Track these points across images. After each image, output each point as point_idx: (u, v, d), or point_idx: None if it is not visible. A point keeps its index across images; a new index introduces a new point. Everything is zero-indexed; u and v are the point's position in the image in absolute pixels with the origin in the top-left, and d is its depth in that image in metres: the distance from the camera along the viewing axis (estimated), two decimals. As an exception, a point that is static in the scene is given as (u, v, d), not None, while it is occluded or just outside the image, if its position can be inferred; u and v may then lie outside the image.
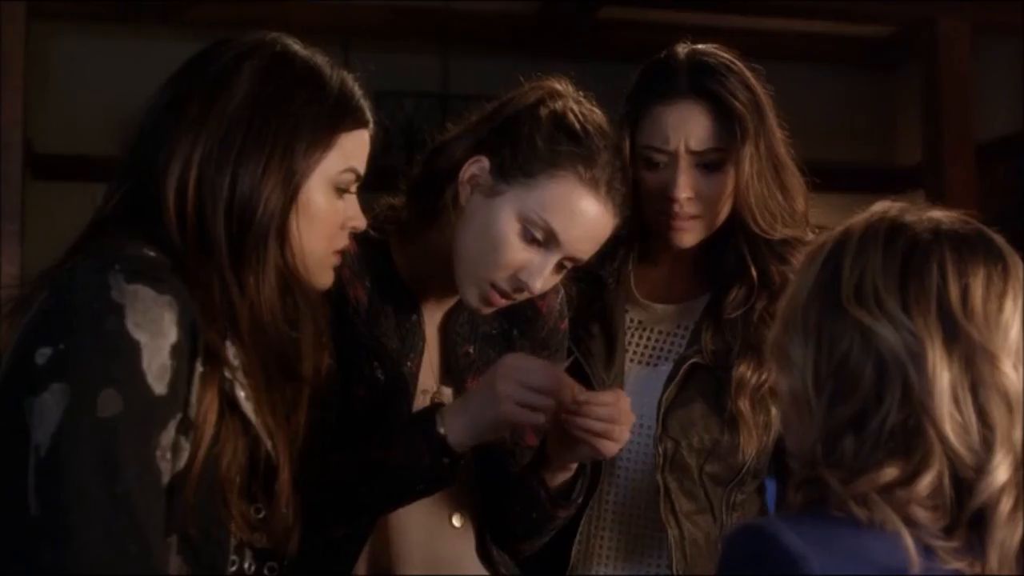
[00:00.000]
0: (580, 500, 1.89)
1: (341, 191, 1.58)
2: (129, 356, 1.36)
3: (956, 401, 1.22)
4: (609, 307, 2.08)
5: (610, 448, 1.75)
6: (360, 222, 1.62)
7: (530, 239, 1.76)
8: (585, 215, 1.76)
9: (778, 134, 2.00)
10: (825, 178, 6.95)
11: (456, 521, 1.90)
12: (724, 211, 1.99)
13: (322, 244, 1.57)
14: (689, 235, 1.99)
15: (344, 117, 1.57)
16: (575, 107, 1.81)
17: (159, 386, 1.38)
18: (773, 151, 1.97)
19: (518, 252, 1.77)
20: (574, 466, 1.84)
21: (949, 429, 1.21)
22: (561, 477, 1.83)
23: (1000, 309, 1.26)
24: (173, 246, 1.47)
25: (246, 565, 1.51)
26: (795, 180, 2.01)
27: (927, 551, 1.19)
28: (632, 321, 2.10)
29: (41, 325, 1.39)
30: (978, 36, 5.55)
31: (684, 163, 1.95)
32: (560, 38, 6.09)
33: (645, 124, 1.97)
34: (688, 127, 1.95)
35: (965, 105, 4.78)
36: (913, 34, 5.85)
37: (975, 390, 1.23)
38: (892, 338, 1.24)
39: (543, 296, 1.93)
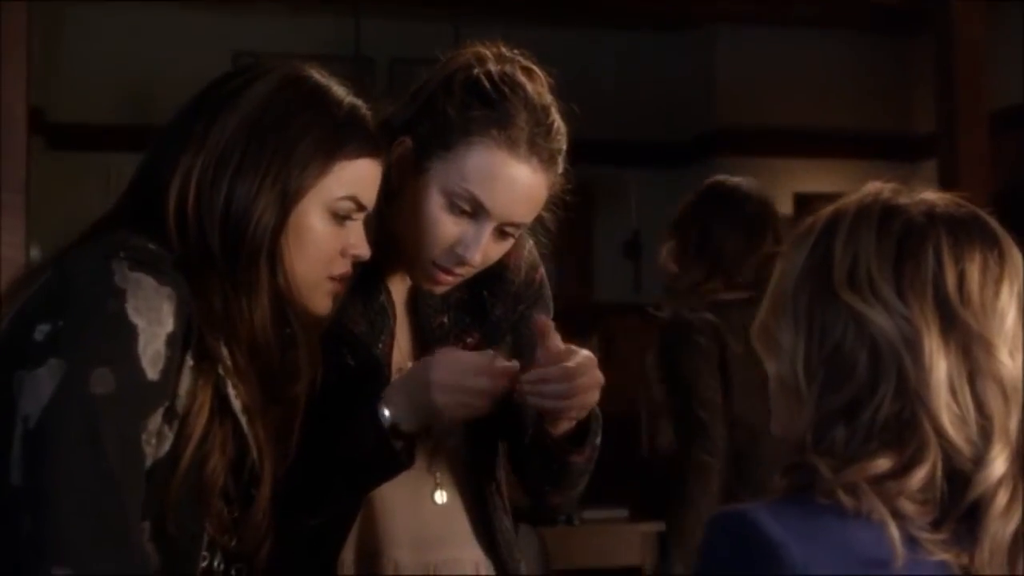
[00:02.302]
0: (598, 441, 1.86)
1: (341, 218, 1.59)
2: (126, 339, 1.41)
3: (953, 391, 1.19)
4: None
5: (575, 414, 1.75)
6: (362, 250, 1.62)
7: (459, 212, 1.75)
8: (507, 179, 1.73)
9: None
10: (840, 145, 6.93)
11: (439, 498, 1.89)
12: None
13: (316, 268, 1.59)
14: None
15: (346, 143, 1.58)
16: (493, 68, 1.78)
17: (152, 372, 1.41)
18: None
19: (449, 227, 1.75)
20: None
21: (946, 420, 1.18)
22: (564, 426, 1.80)
23: (996, 295, 1.23)
24: (172, 247, 1.50)
25: (215, 563, 1.54)
26: None
27: (912, 542, 1.17)
28: None
29: (43, 303, 1.44)
30: (992, 3, 5.53)
31: None
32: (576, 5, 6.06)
33: None
34: None
35: (978, 74, 4.75)
36: (927, 0, 5.82)
37: (972, 379, 1.20)
38: (887, 325, 1.20)
39: (508, 252, 1.89)
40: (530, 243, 1.97)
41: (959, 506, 1.18)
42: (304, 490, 1.72)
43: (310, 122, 1.56)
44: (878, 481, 1.17)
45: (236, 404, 1.51)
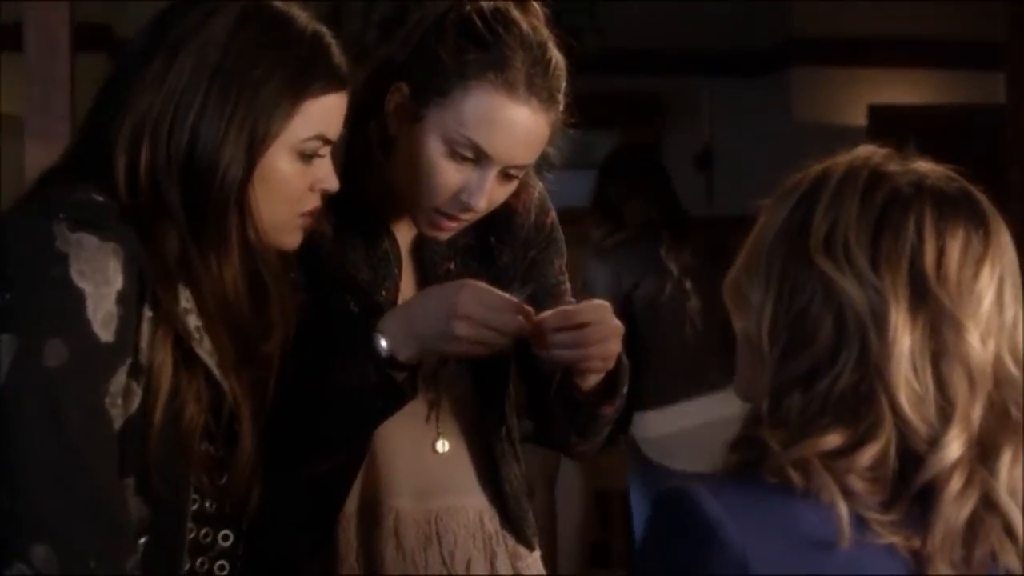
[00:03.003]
0: (625, 390, 1.83)
1: (308, 156, 1.54)
2: (74, 305, 1.38)
3: (915, 368, 1.16)
4: None
5: (598, 368, 1.72)
6: (331, 183, 1.58)
7: (460, 158, 1.71)
8: (507, 122, 1.69)
9: None
10: (918, 54, 6.72)
11: (440, 447, 1.87)
12: None
13: (285, 209, 1.55)
14: None
15: (312, 82, 1.52)
16: (485, 5, 1.72)
17: (105, 334, 1.40)
18: None
19: (451, 175, 1.71)
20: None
21: (903, 397, 1.15)
22: (593, 380, 1.77)
23: (976, 276, 1.18)
24: (120, 196, 1.45)
25: (207, 503, 1.54)
26: None
27: (860, 523, 1.14)
28: None
29: None
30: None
31: None
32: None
33: None
34: None
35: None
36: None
37: (936, 359, 1.16)
38: (855, 294, 1.17)
39: (516, 195, 1.86)
40: (540, 186, 1.94)
41: (911, 487, 1.15)
42: (309, 434, 1.71)
43: (274, 62, 1.50)
44: (829, 457, 1.15)
45: (203, 351, 1.49)
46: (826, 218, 1.20)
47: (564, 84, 1.75)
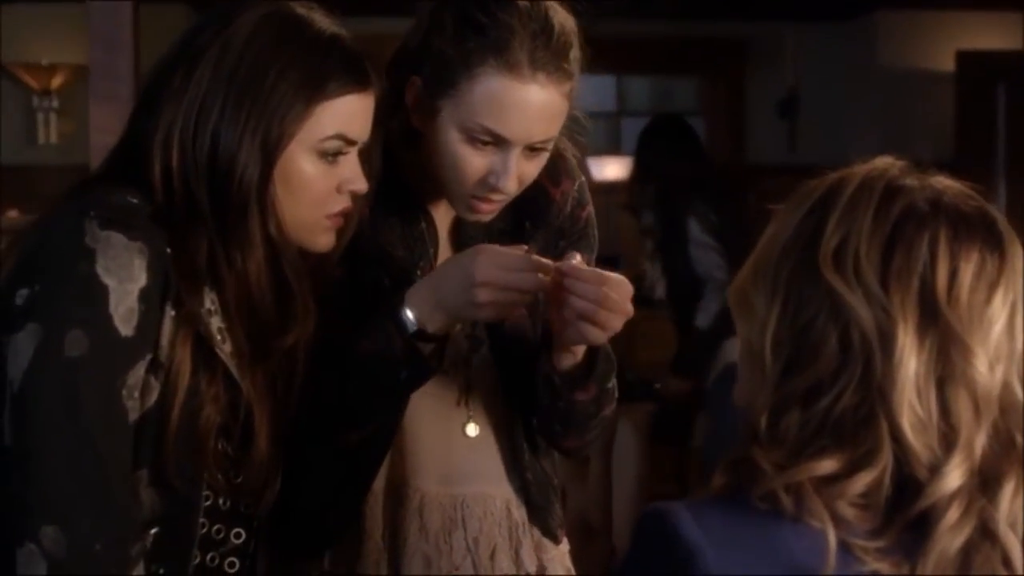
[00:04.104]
0: (608, 385, 1.82)
1: (331, 156, 1.56)
2: (97, 299, 1.45)
3: (919, 392, 1.12)
4: None
5: (595, 335, 1.68)
6: (359, 185, 1.60)
7: (480, 144, 1.70)
8: (517, 103, 1.68)
9: None
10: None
11: (471, 431, 1.86)
12: None
13: (311, 211, 1.58)
14: None
15: (326, 82, 1.54)
16: None
17: (125, 328, 1.45)
18: None
19: (475, 161, 1.71)
20: (579, 351, 1.76)
21: (906, 422, 1.11)
22: (568, 360, 1.76)
23: (988, 301, 1.14)
24: (157, 199, 1.51)
25: (221, 502, 1.59)
26: None
27: (845, 549, 1.10)
28: None
29: (21, 267, 1.49)
30: None
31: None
32: None
33: None
34: None
35: None
36: None
37: (942, 383, 1.12)
38: (863, 312, 1.13)
39: (557, 183, 1.87)
40: (581, 179, 1.93)
41: (906, 514, 1.11)
42: (338, 403, 1.72)
43: (287, 65, 1.53)
44: (822, 482, 1.11)
45: (223, 352, 1.54)
46: (837, 230, 1.16)
47: (574, 47, 1.73)
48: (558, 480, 1.98)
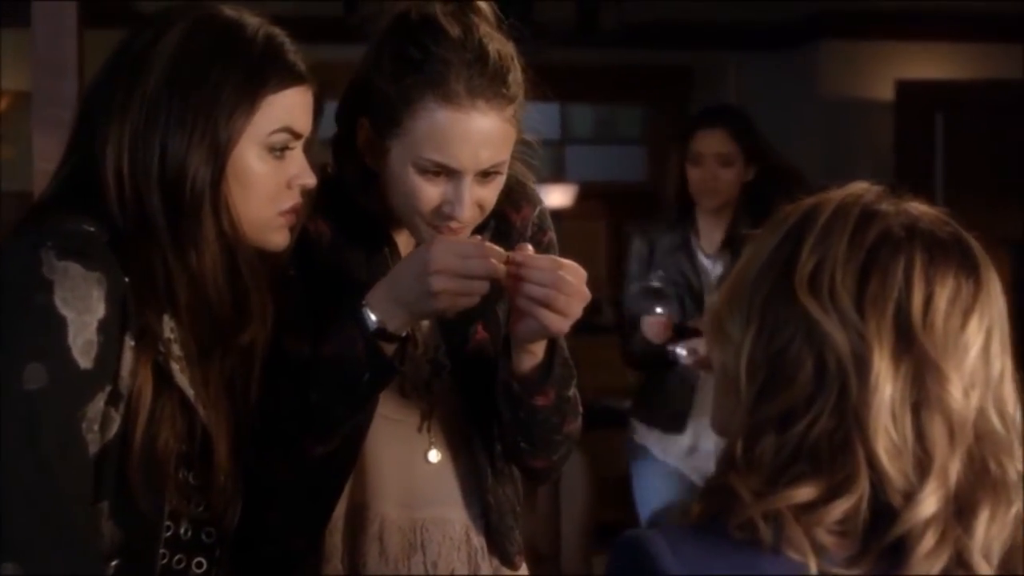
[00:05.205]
0: (568, 393, 1.83)
1: (278, 151, 1.58)
2: (56, 331, 1.43)
3: (894, 417, 1.11)
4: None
5: (555, 321, 1.68)
6: (308, 180, 1.61)
7: (433, 175, 1.72)
8: (459, 135, 1.69)
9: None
10: (949, 27, 6.62)
11: (432, 456, 1.87)
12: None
13: (264, 207, 1.59)
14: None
15: (267, 79, 1.56)
16: (414, 19, 1.72)
17: (84, 361, 1.44)
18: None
19: (429, 192, 1.73)
20: (539, 350, 1.76)
21: (881, 447, 1.11)
22: (528, 362, 1.76)
23: (963, 327, 1.14)
24: (114, 223, 1.51)
25: (182, 530, 1.57)
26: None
27: None
28: None
29: None
30: None
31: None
32: None
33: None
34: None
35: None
36: None
37: (917, 409, 1.12)
38: (838, 337, 1.12)
39: (518, 209, 1.89)
40: (542, 205, 1.95)
41: (882, 541, 1.11)
42: (302, 412, 1.72)
43: (227, 66, 1.55)
44: (801, 510, 1.11)
45: (179, 375, 1.53)
46: (813, 255, 1.16)
47: (512, 70, 1.74)
48: (520, 508, 1.97)
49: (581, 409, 1.89)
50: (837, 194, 1.21)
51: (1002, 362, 1.16)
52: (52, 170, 1.61)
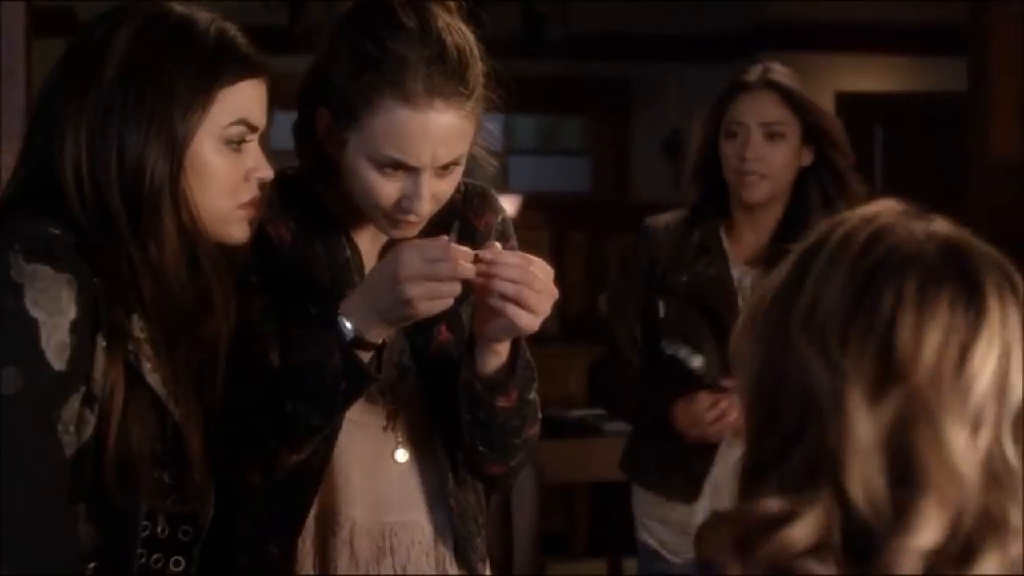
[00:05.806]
0: (529, 396, 1.83)
1: (235, 144, 1.59)
2: (28, 334, 1.42)
3: (871, 462, 1.02)
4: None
5: (525, 318, 1.68)
6: (265, 172, 1.63)
7: (389, 171, 1.72)
8: (417, 131, 1.70)
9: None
10: (888, 40, 6.68)
11: (400, 456, 1.86)
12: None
13: (223, 200, 1.60)
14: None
15: (221, 72, 1.57)
16: (373, 18, 1.72)
17: (58, 363, 1.43)
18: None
19: (386, 187, 1.73)
20: (504, 350, 1.77)
21: (859, 488, 1.02)
22: (493, 362, 1.76)
23: (962, 363, 1.03)
24: (78, 224, 1.51)
25: (159, 529, 1.57)
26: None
27: None
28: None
29: None
30: None
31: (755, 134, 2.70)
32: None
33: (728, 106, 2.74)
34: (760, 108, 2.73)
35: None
36: None
37: (904, 453, 1.02)
38: (821, 375, 1.05)
39: (480, 215, 1.90)
40: (504, 214, 1.96)
41: None
42: (276, 420, 1.72)
43: (181, 60, 1.55)
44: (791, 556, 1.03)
45: (150, 373, 1.53)
46: (812, 290, 1.08)
47: (471, 64, 1.74)
48: (483, 517, 1.97)
49: (540, 416, 1.89)
50: (855, 215, 1.12)
51: None
52: (2, 177, 1.61)
